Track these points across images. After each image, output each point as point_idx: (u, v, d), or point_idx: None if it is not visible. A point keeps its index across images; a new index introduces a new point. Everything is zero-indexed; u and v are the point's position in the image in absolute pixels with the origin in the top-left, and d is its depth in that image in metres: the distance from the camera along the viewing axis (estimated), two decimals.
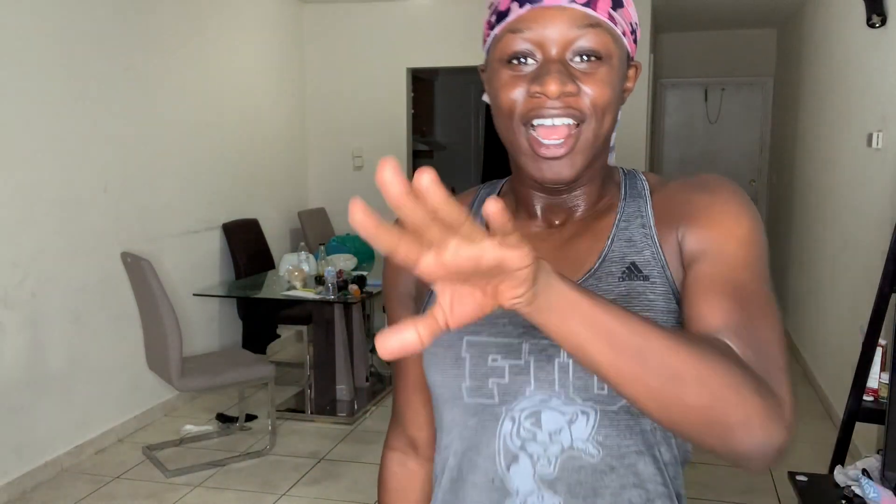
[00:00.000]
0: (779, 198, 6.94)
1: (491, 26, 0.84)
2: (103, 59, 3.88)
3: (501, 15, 0.82)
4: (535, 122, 0.79)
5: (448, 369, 0.85)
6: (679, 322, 0.81)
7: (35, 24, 3.45)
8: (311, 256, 4.65)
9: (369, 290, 4.30)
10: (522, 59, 0.80)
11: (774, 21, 6.99)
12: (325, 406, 4.44)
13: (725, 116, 7.83)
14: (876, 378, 2.82)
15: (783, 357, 0.73)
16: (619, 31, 0.81)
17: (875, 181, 3.64)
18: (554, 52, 0.79)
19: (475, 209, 0.96)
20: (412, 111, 6.24)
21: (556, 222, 0.89)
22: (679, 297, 0.81)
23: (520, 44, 0.79)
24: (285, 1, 5.82)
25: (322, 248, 4.75)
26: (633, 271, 0.83)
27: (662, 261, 0.82)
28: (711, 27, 7.36)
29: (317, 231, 5.89)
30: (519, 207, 0.92)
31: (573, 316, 0.60)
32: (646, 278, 0.82)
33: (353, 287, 4.16)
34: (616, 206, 0.88)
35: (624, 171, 0.93)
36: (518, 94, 0.80)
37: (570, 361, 0.80)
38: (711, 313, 0.73)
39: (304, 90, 6.17)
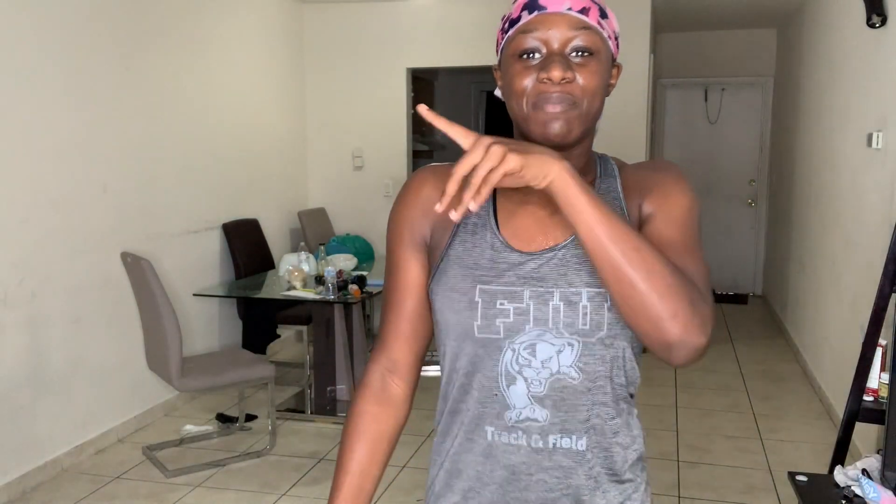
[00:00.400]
0: (779, 198, 6.94)
1: (504, 31, 1.07)
2: (103, 59, 3.88)
3: (514, 21, 1.04)
4: (542, 104, 1.01)
5: (463, 311, 1.06)
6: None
7: (35, 25, 3.45)
8: (311, 256, 4.65)
9: (369, 290, 4.30)
10: (531, 55, 1.02)
11: (774, 21, 6.99)
12: (325, 406, 4.44)
13: (725, 116, 7.83)
14: (876, 378, 2.82)
15: (707, 289, 1.00)
16: (605, 35, 1.04)
17: (875, 181, 3.64)
18: (556, 46, 1.01)
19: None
20: (412, 111, 6.24)
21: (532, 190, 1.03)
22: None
23: (529, 42, 1.02)
24: (285, 1, 5.82)
25: (322, 248, 4.76)
26: None
27: (627, 220, 1.07)
28: (711, 27, 7.36)
29: (317, 231, 5.89)
30: None
31: (586, 201, 0.90)
32: None
33: (353, 287, 4.16)
34: (594, 182, 1.13)
35: (598, 155, 1.18)
36: (529, 81, 1.02)
37: (562, 304, 1.03)
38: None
39: (304, 90, 6.17)
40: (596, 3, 1.05)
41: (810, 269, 5.19)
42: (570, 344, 1.05)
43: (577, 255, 1.05)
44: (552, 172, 0.90)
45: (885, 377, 2.77)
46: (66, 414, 3.69)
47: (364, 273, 4.46)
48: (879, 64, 3.67)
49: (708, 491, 3.41)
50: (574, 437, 1.07)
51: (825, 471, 2.99)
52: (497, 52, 1.11)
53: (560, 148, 1.03)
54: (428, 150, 8.46)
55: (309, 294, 4.19)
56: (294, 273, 4.35)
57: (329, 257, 4.70)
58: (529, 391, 1.06)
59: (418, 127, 7.86)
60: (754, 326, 6.65)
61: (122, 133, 4.04)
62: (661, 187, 1.11)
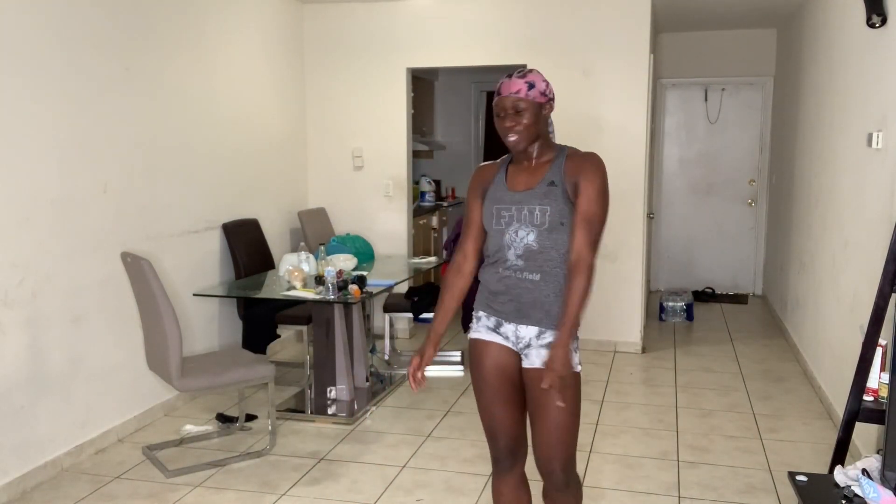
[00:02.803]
0: (779, 198, 6.94)
1: (498, 93, 2.29)
2: (103, 59, 3.88)
3: (495, 95, 2.30)
4: (505, 133, 2.28)
5: (490, 219, 2.32)
6: (568, 202, 2.23)
7: (35, 25, 3.45)
8: (311, 256, 4.65)
9: (369, 290, 4.30)
10: (500, 113, 2.28)
11: (774, 21, 6.99)
12: (325, 406, 4.44)
13: (725, 116, 7.83)
14: (876, 378, 2.82)
15: (598, 238, 2.23)
16: (531, 98, 2.24)
17: (875, 181, 3.64)
18: (508, 108, 2.26)
19: (501, 166, 2.41)
20: (412, 111, 6.24)
21: (526, 164, 2.35)
22: (567, 197, 2.23)
23: (498, 108, 2.29)
24: (285, 1, 5.82)
25: (322, 248, 4.75)
26: (553, 183, 2.25)
27: (563, 184, 2.24)
28: (711, 27, 7.36)
29: (317, 231, 5.89)
30: (515, 159, 2.37)
31: (568, 332, 2.20)
32: (556, 186, 2.24)
33: (353, 287, 4.16)
34: (552, 160, 2.31)
35: (559, 145, 2.36)
36: (499, 123, 2.29)
37: (527, 213, 2.26)
38: (577, 222, 2.20)
39: (304, 90, 6.17)
40: (526, 82, 2.25)
41: (810, 269, 5.19)
42: (532, 231, 2.27)
43: (536, 194, 2.27)
44: (560, 361, 2.14)
45: (885, 377, 2.77)
46: (66, 414, 3.69)
47: (364, 273, 4.45)
48: (879, 64, 3.67)
49: (708, 491, 3.41)
50: (534, 274, 2.29)
51: (825, 471, 2.99)
52: (494, 103, 2.34)
53: (519, 149, 2.31)
54: (428, 151, 8.46)
55: (309, 294, 4.19)
56: (294, 273, 4.35)
57: (329, 257, 4.70)
58: (515, 252, 2.29)
59: (418, 127, 7.87)
60: (754, 326, 6.66)
61: (122, 133, 4.04)
62: (586, 173, 2.25)
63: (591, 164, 2.23)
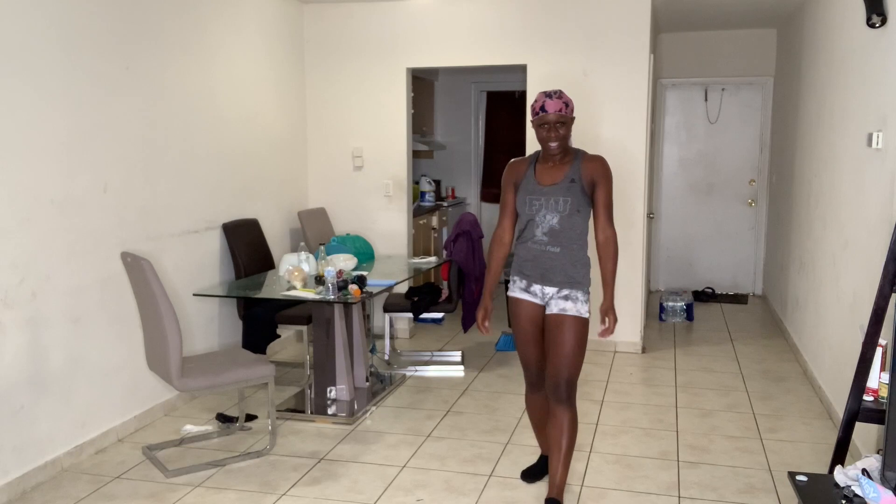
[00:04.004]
0: (779, 198, 6.94)
1: (535, 113, 3.08)
2: (104, 58, 3.88)
3: (539, 111, 3.08)
4: (546, 142, 3.11)
5: (524, 206, 3.14)
6: (586, 195, 3.10)
7: (35, 24, 3.45)
8: (311, 256, 4.65)
9: (369, 290, 4.30)
10: (545, 125, 3.07)
11: (774, 21, 6.99)
12: (325, 406, 4.44)
13: (725, 116, 7.83)
14: (876, 378, 2.82)
15: (612, 212, 3.14)
16: (567, 115, 3.07)
17: (875, 181, 3.64)
18: (552, 123, 3.06)
19: (530, 163, 3.19)
20: (412, 111, 6.24)
21: (551, 164, 3.15)
22: (583, 191, 3.09)
23: (543, 121, 3.07)
24: (285, 1, 5.82)
25: (322, 248, 4.75)
26: (573, 181, 3.09)
27: (581, 181, 3.09)
28: (711, 27, 7.36)
29: (317, 231, 5.89)
30: (542, 158, 3.18)
31: (612, 290, 3.21)
32: (575, 183, 3.08)
33: (353, 287, 4.16)
34: (571, 162, 3.13)
35: (575, 149, 3.19)
36: (543, 133, 3.10)
37: (553, 202, 3.08)
38: (599, 210, 3.12)
39: (304, 90, 6.17)
40: (564, 102, 3.04)
41: (810, 269, 5.19)
42: (555, 216, 3.07)
43: (560, 188, 3.06)
44: (613, 315, 3.16)
45: (885, 377, 2.77)
46: (66, 414, 3.69)
47: (364, 273, 4.45)
48: (879, 64, 3.67)
49: (708, 491, 3.41)
50: (555, 247, 3.09)
51: (825, 471, 2.99)
52: (532, 117, 3.10)
53: (557, 153, 3.11)
54: (428, 151, 8.46)
55: (309, 294, 4.19)
56: (294, 273, 4.35)
57: (329, 257, 4.70)
58: (542, 231, 3.10)
59: (418, 127, 7.87)
60: (754, 326, 6.66)
61: (122, 133, 4.04)
62: (599, 171, 3.09)
63: (603, 166, 3.11)
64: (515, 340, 3.29)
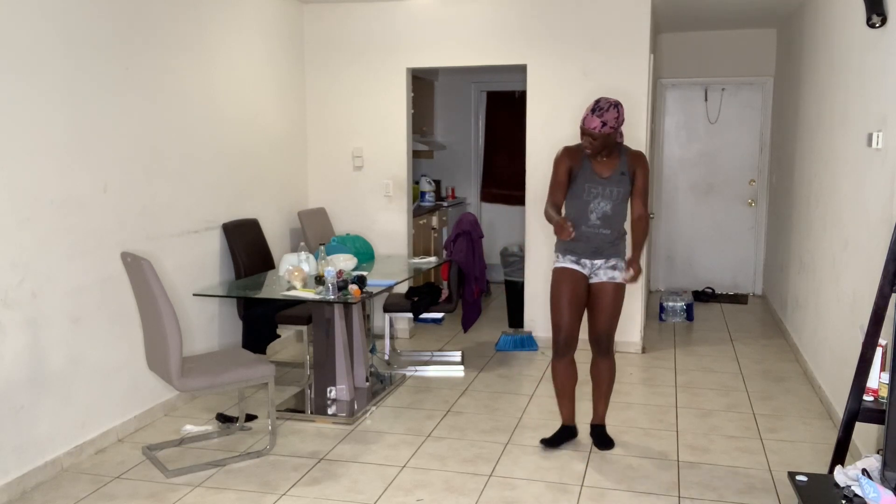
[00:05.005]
0: (779, 198, 6.94)
1: (582, 120, 3.64)
2: (103, 58, 3.88)
3: (581, 122, 3.64)
4: (585, 146, 3.71)
5: (581, 192, 3.73)
6: (630, 184, 3.74)
7: (35, 24, 3.45)
8: (311, 256, 4.65)
9: (369, 290, 4.30)
10: (584, 134, 3.64)
11: (774, 21, 6.99)
12: (325, 406, 4.44)
13: (725, 116, 7.83)
14: (876, 378, 2.82)
15: (648, 196, 3.80)
16: (602, 132, 3.58)
17: (875, 181, 3.64)
18: (588, 134, 3.63)
19: (582, 155, 3.74)
20: (412, 111, 6.24)
21: (602, 159, 3.73)
22: (631, 181, 3.74)
23: (583, 131, 3.64)
24: (285, 1, 5.82)
25: (322, 248, 4.75)
26: (623, 173, 3.73)
27: (628, 173, 3.73)
28: (711, 27, 7.36)
29: (317, 231, 5.89)
30: (590, 155, 3.72)
31: (640, 252, 3.80)
32: (625, 175, 3.73)
33: (353, 287, 4.16)
34: (619, 157, 3.75)
35: (622, 146, 3.77)
36: (582, 139, 3.68)
37: (607, 191, 3.70)
38: (637, 193, 3.77)
39: (304, 90, 6.17)
40: (601, 121, 3.55)
41: (810, 269, 5.19)
42: (609, 203, 3.70)
43: (613, 180, 3.70)
44: (637, 265, 3.71)
45: (885, 377, 2.77)
46: (66, 414, 3.69)
47: (364, 273, 4.45)
48: (879, 64, 3.67)
49: (708, 491, 3.41)
50: (606, 230, 3.72)
51: (825, 471, 2.99)
52: (581, 124, 3.64)
53: (590, 156, 3.72)
54: (428, 151, 8.45)
55: (309, 294, 4.19)
56: (294, 273, 4.35)
57: (329, 257, 4.70)
58: (596, 216, 3.71)
59: (418, 127, 7.86)
60: (754, 326, 6.66)
61: (122, 133, 4.04)
62: (640, 164, 3.75)
63: (643, 160, 3.75)
64: (553, 306, 3.76)
